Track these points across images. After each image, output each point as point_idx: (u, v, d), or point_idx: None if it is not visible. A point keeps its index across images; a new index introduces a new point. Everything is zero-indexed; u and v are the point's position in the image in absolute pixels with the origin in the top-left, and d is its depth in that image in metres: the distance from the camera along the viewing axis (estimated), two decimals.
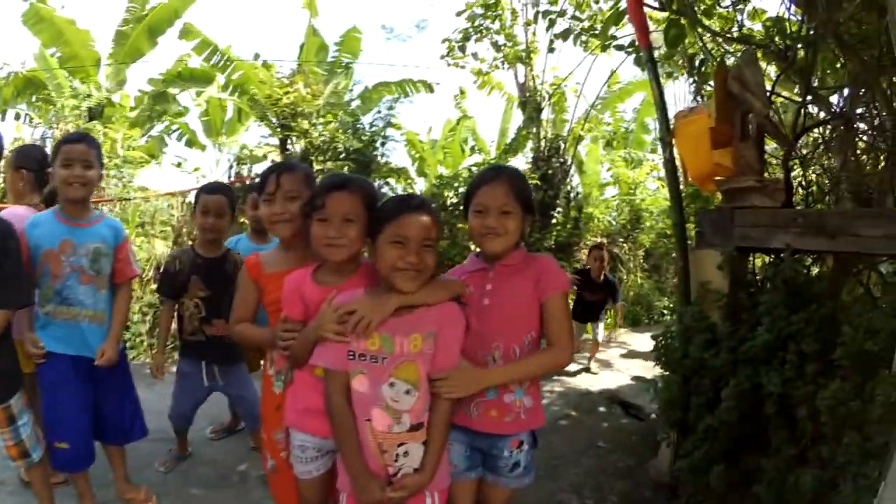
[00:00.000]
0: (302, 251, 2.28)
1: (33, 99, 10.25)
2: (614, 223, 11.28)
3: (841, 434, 2.34)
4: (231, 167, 9.30)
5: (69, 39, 10.04)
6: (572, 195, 10.32)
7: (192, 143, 11.79)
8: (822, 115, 3.59)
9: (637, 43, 4.07)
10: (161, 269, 3.79)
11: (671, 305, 10.27)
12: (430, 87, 11.15)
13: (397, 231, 1.87)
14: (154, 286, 7.00)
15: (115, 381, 3.05)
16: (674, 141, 3.60)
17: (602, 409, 5.24)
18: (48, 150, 3.80)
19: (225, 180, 9.16)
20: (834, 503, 2.29)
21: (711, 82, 3.65)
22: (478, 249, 2.24)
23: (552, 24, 5.54)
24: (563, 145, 9.76)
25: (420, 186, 11.13)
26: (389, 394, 1.86)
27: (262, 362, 2.71)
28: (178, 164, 10.00)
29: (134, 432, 3.20)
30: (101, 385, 2.98)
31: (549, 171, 9.57)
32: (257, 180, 8.20)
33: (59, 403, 2.84)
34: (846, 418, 2.32)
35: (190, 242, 3.61)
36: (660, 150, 11.50)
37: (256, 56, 10.50)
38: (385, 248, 1.88)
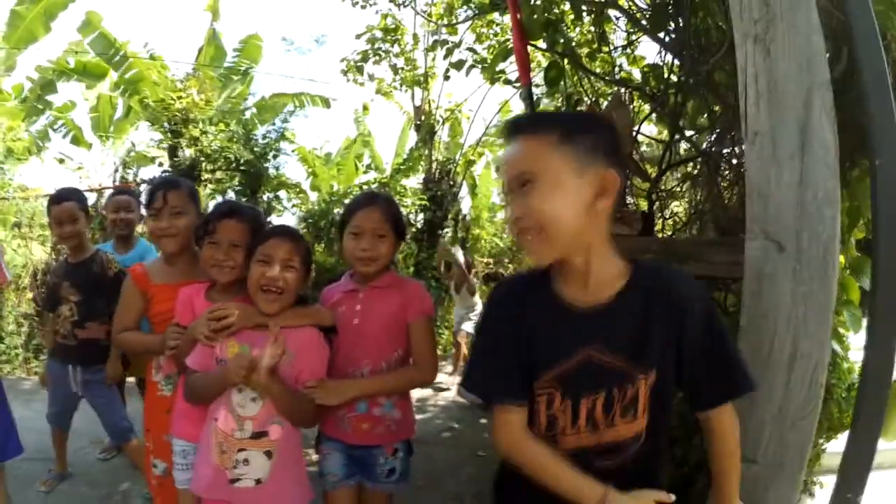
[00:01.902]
0: (186, 265, 2.44)
1: None
2: (501, 245, 11.66)
3: (692, 436, 2.60)
4: (117, 170, 8.93)
5: None
6: (461, 217, 10.64)
7: (77, 140, 11.18)
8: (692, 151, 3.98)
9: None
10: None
11: None
12: (326, 103, 11.20)
13: (263, 250, 2.06)
14: (30, 295, 6.64)
15: None
16: None
17: (483, 421, 5.44)
18: None
19: (109, 182, 8.81)
20: (691, 495, 2.50)
21: None
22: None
23: (449, 53, 5.78)
24: (453, 168, 10.09)
25: (312, 200, 11.08)
26: (237, 399, 2.00)
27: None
28: (62, 161, 9.46)
29: (9, 450, 3.06)
30: None
31: (439, 193, 9.86)
32: (142, 186, 7.93)
33: None
34: (695, 423, 2.61)
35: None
36: None
37: (152, 56, 10.17)
38: (253, 267, 2.07)
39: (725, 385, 1.47)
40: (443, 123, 10.18)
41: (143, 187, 8.12)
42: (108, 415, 3.53)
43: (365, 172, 13.05)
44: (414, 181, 10.51)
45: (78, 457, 3.96)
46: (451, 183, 10.07)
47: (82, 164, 9.06)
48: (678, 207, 4.57)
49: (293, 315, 2.10)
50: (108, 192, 7.96)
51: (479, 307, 7.48)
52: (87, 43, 9.96)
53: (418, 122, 10.24)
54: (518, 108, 11.64)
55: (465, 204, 11.37)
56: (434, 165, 10.06)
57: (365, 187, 9.62)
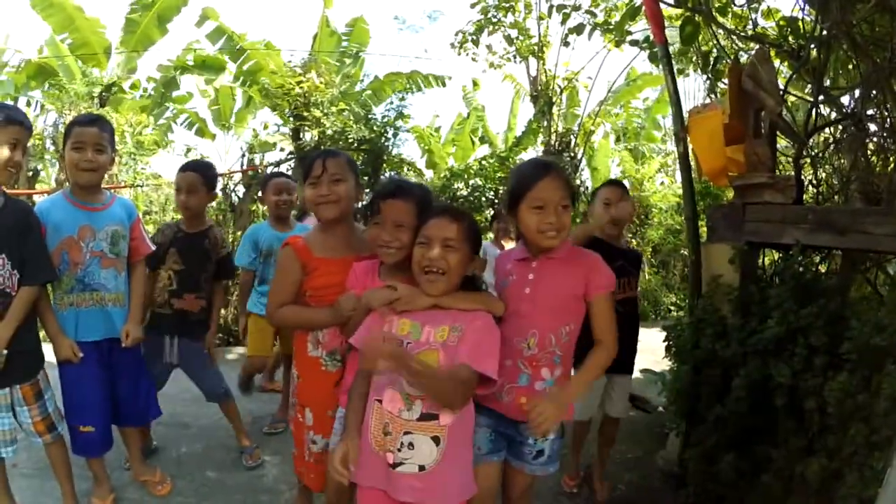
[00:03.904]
0: (344, 237, 2.41)
1: (45, 86, 10.22)
2: None
3: (847, 425, 2.38)
4: (243, 155, 9.31)
5: (79, 26, 10.00)
6: (582, 190, 10.33)
7: (202, 131, 11.81)
8: (833, 114, 3.61)
9: (652, 38, 4.09)
10: None
11: (678, 301, 10.25)
12: (441, 81, 11.12)
13: (424, 232, 2.01)
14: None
15: (130, 363, 3.07)
16: (688, 136, 3.64)
17: None
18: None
19: (237, 168, 9.21)
20: (840, 493, 2.33)
21: (725, 79, 3.68)
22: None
23: (566, 18, 5.57)
24: (573, 139, 9.78)
25: (428, 178, 11.11)
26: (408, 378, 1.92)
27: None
28: (188, 150, 10.05)
29: (149, 413, 3.25)
30: (116, 367, 3.00)
31: (561, 165, 9.61)
32: (269, 169, 8.24)
33: (83, 387, 2.87)
34: (853, 410, 2.36)
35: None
36: (671, 145, 11.36)
37: (268, 46, 10.52)
38: (415, 249, 2.03)
39: None
40: (561, 93, 9.87)
41: (270, 170, 8.43)
42: (207, 381, 3.64)
43: (479, 147, 13.00)
44: (532, 154, 10.29)
45: (211, 420, 4.10)
46: (572, 155, 9.77)
47: (206, 154, 9.53)
48: (819, 174, 4.17)
49: (463, 299, 2.02)
50: (236, 177, 8.39)
51: None
52: (204, 37, 10.49)
53: (535, 93, 9.98)
54: (643, 68, 11.15)
55: (585, 176, 11.04)
56: (553, 137, 9.79)
57: (484, 163, 9.48)
